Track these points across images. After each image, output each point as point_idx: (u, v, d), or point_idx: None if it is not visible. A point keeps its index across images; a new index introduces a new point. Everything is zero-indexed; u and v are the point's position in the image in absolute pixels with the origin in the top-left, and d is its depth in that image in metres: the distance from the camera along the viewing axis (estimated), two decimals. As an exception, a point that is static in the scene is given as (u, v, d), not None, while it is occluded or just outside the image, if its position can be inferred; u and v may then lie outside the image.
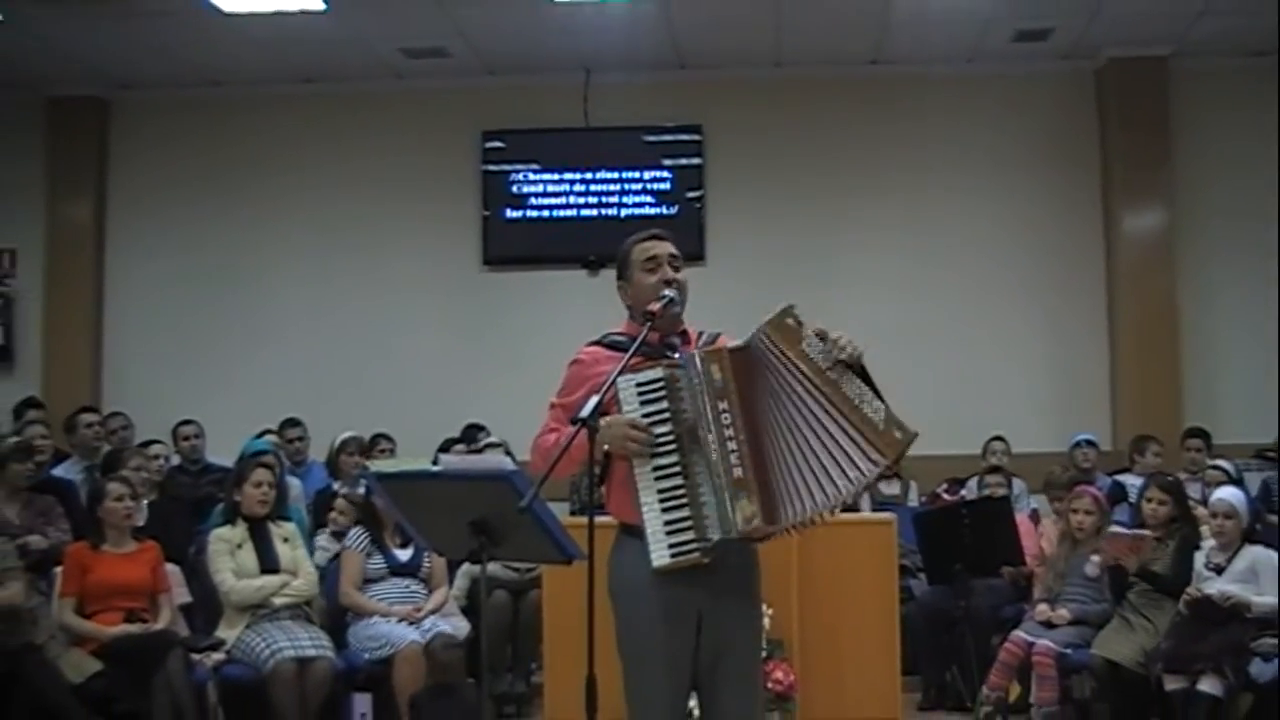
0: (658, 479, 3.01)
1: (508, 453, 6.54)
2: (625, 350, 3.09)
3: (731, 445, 2.96)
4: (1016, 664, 5.43)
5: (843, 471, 2.88)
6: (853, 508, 6.84)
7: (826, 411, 2.90)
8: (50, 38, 7.80)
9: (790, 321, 2.98)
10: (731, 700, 3.14)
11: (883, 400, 2.92)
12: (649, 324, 3.10)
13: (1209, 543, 5.39)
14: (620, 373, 3.02)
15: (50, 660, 4.81)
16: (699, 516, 2.99)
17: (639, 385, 3.04)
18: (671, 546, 2.99)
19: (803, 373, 2.93)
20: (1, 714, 4.57)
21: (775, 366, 2.97)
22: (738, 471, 2.95)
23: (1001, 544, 6.06)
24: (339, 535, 6.11)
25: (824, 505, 2.91)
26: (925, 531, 6.33)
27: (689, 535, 2.99)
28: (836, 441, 2.89)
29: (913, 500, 7.52)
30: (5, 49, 7.92)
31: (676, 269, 3.23)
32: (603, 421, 2.95)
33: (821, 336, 2.95)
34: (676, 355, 3.10)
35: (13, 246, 8.74)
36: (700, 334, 3.25)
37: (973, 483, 7.25)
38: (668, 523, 2.99)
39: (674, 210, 8.41)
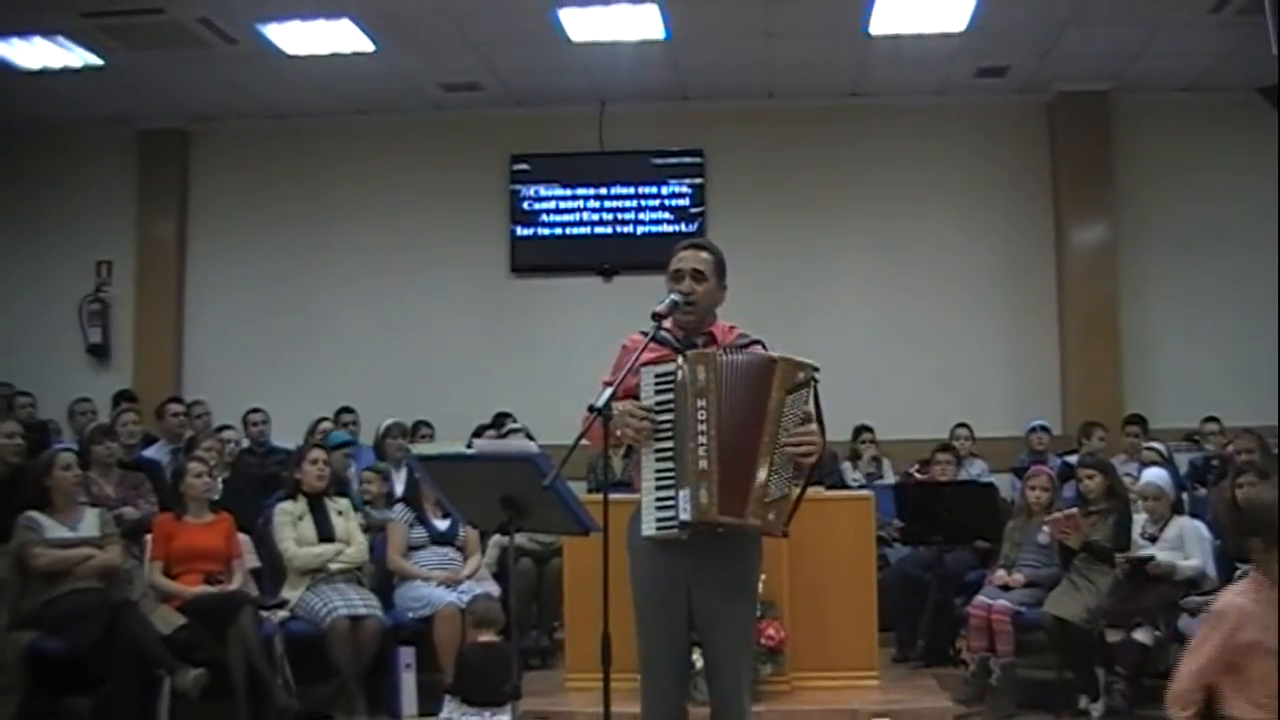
0: (657, 460, 2.99)
1: (530, 437, 6.54)
2: (660, 342, 3.07)
3: (702, 440, 2.92)
4: (985, 625, 5.40)
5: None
6: (838, 484, 6.87)
7: (763, 451, 2.91)
8: (142, 79, 7.85)
9: (801, 375, 2.94)
10: (720, 663, 3.12)
11: (800, 493, 2.99)
12: (656, 323, 3.08)
13: (1143, 515, 5.39)
14: (643, 364, 3.00)
15: (144, 614, 4.84)
16: (677, 499, 2.95)
17: (656, 376, 3.01)
18: (658, 520, 2.98)
19: (766, 413, 2.91)
20: (105, 658, 4.62)
21: (761, 388, 2.93)
22: (703, 464, 2.92)
23: (979, 521, 6.06)
24: (371, 503, 6.18)
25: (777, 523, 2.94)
26: (906, 501, 6.35)
27: (670, 513, 2.96)
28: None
29: (890, 478, 7.49)
30: (105, 89, 7.98)
31: (699, 279, 3.16)
32: (615, 407, 2.94)
33: (806, 417, 2.93)
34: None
35: (109, 259, 8.80)
36: (741, 335, 3.18)
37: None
38: (658, 499, 2.98)
39: (679, 224, 8.39)
